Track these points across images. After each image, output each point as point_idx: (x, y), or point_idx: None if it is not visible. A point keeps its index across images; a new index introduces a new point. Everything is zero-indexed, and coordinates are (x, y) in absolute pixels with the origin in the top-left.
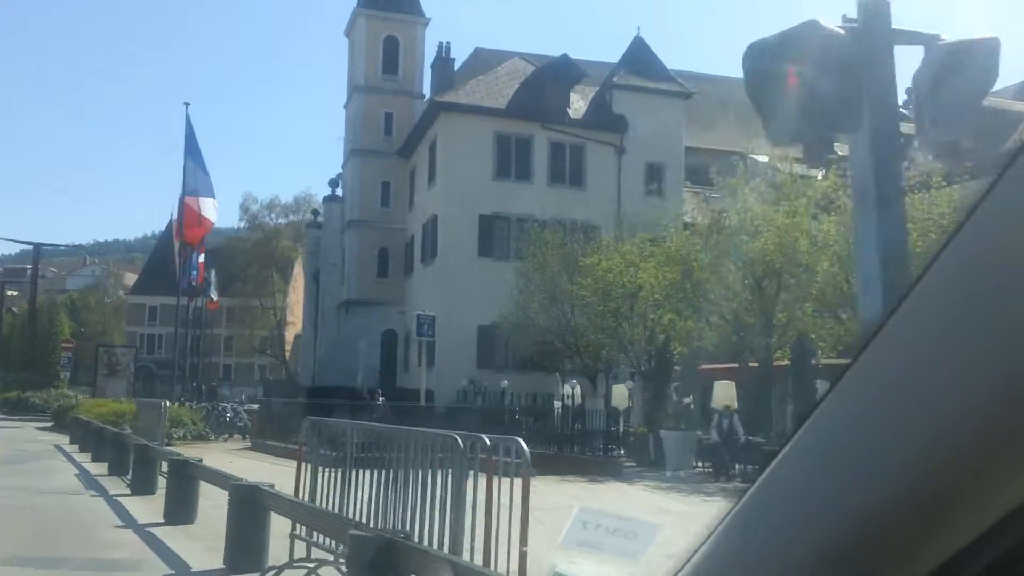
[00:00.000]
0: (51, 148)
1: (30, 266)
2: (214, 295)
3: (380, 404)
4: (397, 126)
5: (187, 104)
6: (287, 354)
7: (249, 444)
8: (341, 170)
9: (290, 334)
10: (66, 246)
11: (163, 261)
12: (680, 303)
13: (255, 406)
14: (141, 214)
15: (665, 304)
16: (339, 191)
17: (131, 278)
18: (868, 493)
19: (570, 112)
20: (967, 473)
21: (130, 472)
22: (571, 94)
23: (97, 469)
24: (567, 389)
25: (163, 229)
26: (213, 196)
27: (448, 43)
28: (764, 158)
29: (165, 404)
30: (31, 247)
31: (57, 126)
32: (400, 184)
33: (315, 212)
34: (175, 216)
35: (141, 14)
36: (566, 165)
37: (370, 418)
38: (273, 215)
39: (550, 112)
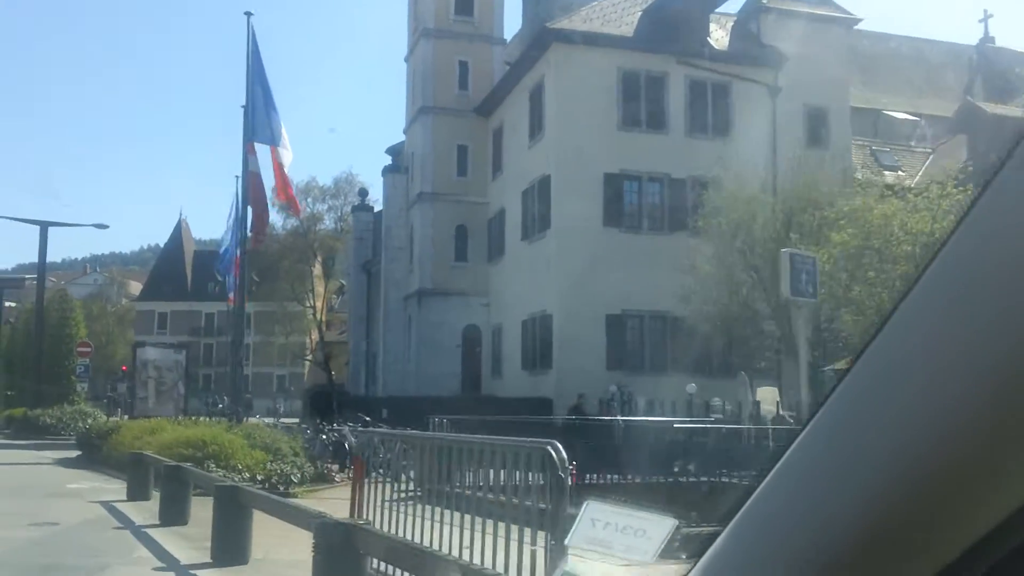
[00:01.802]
0: (42, 153)
1: (28, 276)
2: (231, 293)
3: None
4: (474, 78)
5: (249, 14)
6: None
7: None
8: (403, 136)
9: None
10: (84, 225)
11: (173, 265)
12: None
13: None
14: (136, 227)
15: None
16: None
17: (136, 287)
18: (873, 493)
19: (711, 42)
20: (970, 472)
21: None
22: (710, 22)
23: None
24: (766, 394)
25: (165, 242)
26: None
27: None
28: (901, 115)
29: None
30: (39, 237)
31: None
32: (480, 148)
33: (362, 192)
34: (183, 223)
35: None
36: (708, 109)
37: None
38: (310, 200)
39: (686, 42)
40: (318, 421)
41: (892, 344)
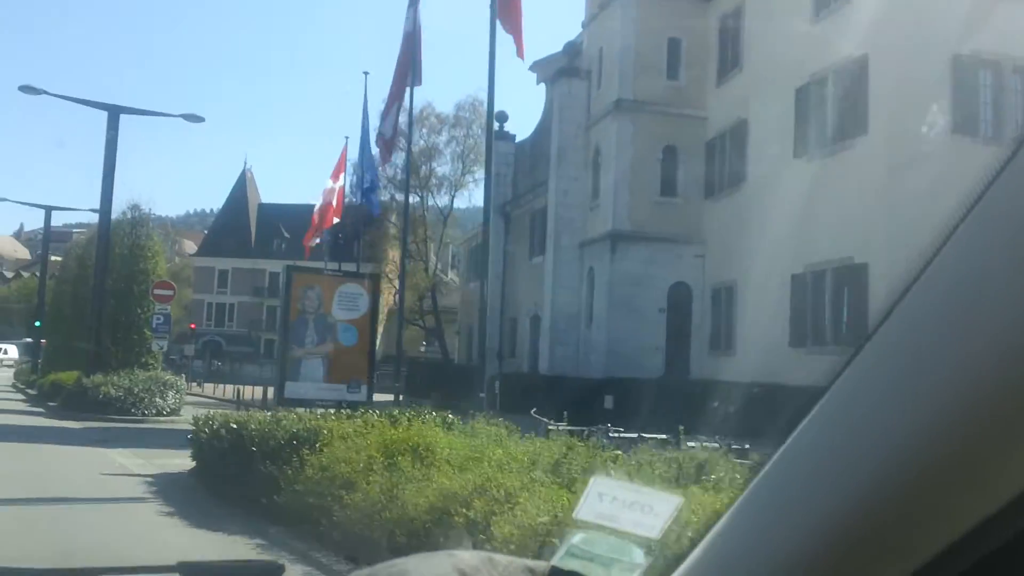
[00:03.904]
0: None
1: (77, 228)
2: (318, 238)
3: None
4: None
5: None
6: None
7: None
8: (581, 27)
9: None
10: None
11: (236, 218)
12: None
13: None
14: (180, 192)
15: None
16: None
17: (190, 247)
18: (865, 486)
19: None
20: (962, 466)
21: None
22: None
23: None
24: None
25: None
26: None
27: None
28: None
29: None
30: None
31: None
32: (698, 43)
33: (499, 116)
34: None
35: None
36: None
37: None
38: (425, 132)
39: None
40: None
41: (892, 339)
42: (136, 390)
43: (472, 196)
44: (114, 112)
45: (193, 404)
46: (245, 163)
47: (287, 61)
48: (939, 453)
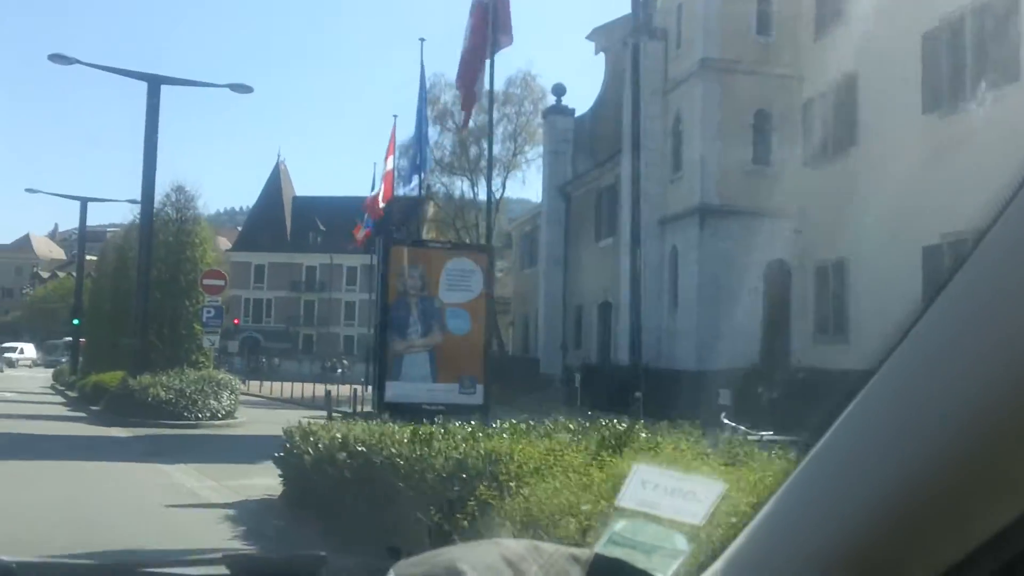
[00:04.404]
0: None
1: (111, 227)
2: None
3: None
4: None
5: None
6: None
7: None
8: None
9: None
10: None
11: (270, 211)
12: None
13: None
14: (207, 190)
15: None
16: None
17: (223, 243)
18: (897, 484)
19: None
20: (997, 467)
21: None
22: None
23: None
24: None
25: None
26: None
27: None
28: None
29: None
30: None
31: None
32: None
33: (557, 89)
34: (281, 166)
35: None
36: None
37: None
38: (475, 112)
39: None
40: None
41: (925, 341)
42: (188, 391)
43: (526, 178)
44: (154, 82)
45: (243, 404)
46: (279, 156)
47: (319, 44)
48: (974, 454)
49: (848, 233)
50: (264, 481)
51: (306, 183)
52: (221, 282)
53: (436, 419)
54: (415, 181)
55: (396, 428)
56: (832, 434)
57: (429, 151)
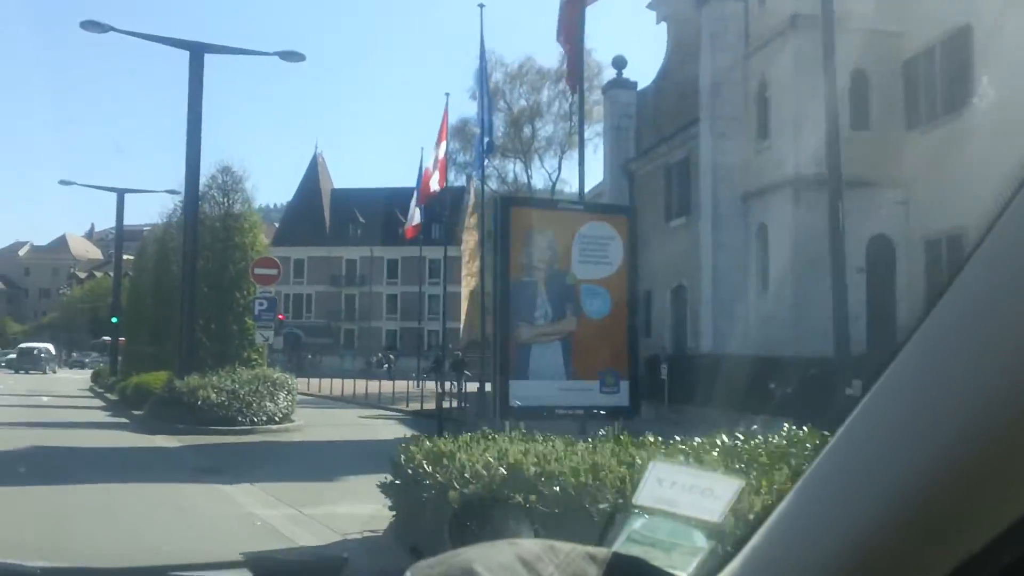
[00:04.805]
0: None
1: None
2: (416, 217)
3: None
4: None
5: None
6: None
7: None
8: None
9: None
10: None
11: (308, 204)
12: None
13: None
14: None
15: None
16: None
17: (261, 239)
18: (908, 481)
19: None
20: (1000, 464)
21: None
22: None
23: None
24: None
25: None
26: None
27: None
28: None
29: None
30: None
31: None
32: None
33: (618, 62)
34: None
35: None
36: None
37: None
38: (525, 89)
39: None
40: None
41: (927, 345)
42: (241, 392)
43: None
44: (197, 50)
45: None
46: (316, 148)
47: (354, 22)
48: (984, 448)
49: (962, 203)
50: (355, 509)
51: (344, 175)
52: (274, 271)
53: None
54: (473, 169)
55: (559, 446)
56: (844, 432)
57: (488, 125)
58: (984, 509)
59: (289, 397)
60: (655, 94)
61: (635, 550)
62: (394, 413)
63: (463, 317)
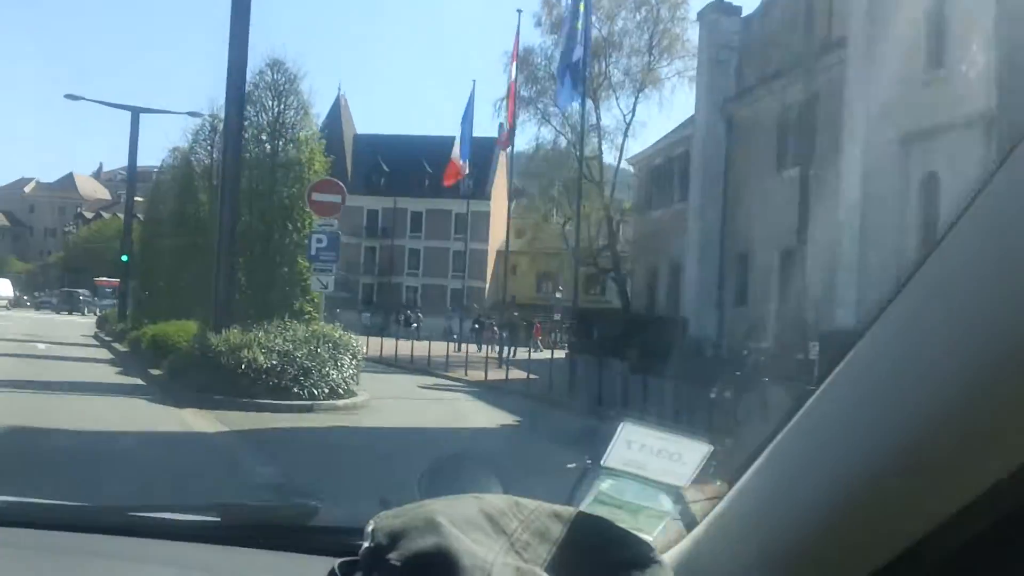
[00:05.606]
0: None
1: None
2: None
3: None
4: None
5: None
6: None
7: None
8: None
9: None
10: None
11: (330, 150)
12: None
13: None
14: None
15: None
16: None
17: None
18: (867, 459)
19: None
20: (959, 441)
21: None
22: None
23: None
24: None
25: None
26: None
27: None
28: None
29: None
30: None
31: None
32: None
33: None
34: (342, 99)
35: None
36: None
37: None
38: (596, 18)
39: None
40: None
41: (886, 337)
42: (298, 356)
43: (663, 98)
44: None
45: None
46: (339, 89)
47: None
48: (918, 447)
49: None
50: None
51: (368, 119)
52: (338, 197)
53: None
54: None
55: None
56: (813, 400)
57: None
58: (933, 495)
59: (354, 363)
60: (762, 22)
61: (601, 510)
62: (454, 383)
63: (488, 276)
